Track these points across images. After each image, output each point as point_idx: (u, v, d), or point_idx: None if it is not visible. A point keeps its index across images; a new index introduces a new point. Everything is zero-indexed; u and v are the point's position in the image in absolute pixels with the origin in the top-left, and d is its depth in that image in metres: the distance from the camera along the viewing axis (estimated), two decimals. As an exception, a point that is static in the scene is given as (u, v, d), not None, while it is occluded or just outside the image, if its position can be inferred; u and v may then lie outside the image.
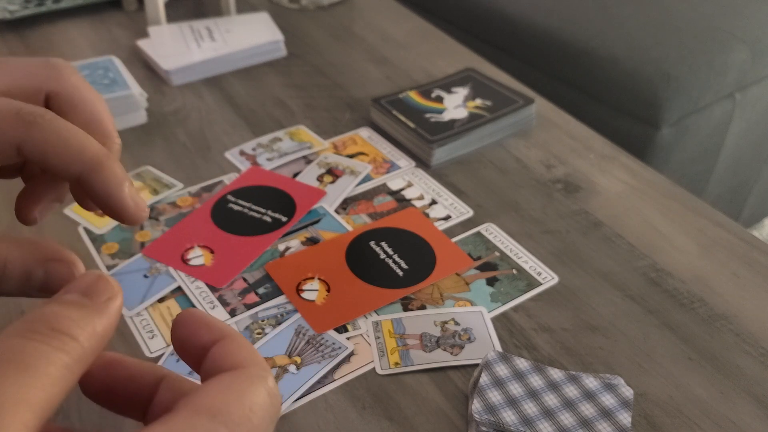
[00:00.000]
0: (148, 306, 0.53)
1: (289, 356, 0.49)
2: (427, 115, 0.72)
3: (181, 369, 0.48)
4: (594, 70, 1.21)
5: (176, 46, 0.84)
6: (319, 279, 0.55)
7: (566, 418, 0.43)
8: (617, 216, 0.62)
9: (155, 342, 0.50)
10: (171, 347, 0.50)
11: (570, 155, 0.70)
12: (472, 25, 1.42)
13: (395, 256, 0.57)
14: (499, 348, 0.50)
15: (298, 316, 0.52)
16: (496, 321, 0.52)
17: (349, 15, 0.98)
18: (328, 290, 0.54)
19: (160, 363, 0.49)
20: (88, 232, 0.60)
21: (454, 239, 0.59)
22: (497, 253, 0.58)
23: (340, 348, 0.50)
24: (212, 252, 0.58)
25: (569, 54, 1.24)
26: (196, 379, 0.23)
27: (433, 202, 0.64)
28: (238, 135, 0.73)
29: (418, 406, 0.46)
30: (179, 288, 0.55)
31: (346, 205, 0.63)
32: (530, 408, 0.44)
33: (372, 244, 0.59)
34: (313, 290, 0.54)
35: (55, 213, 0.62)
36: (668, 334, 0.51)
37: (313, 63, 0.86)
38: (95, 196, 0.25)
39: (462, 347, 0.50)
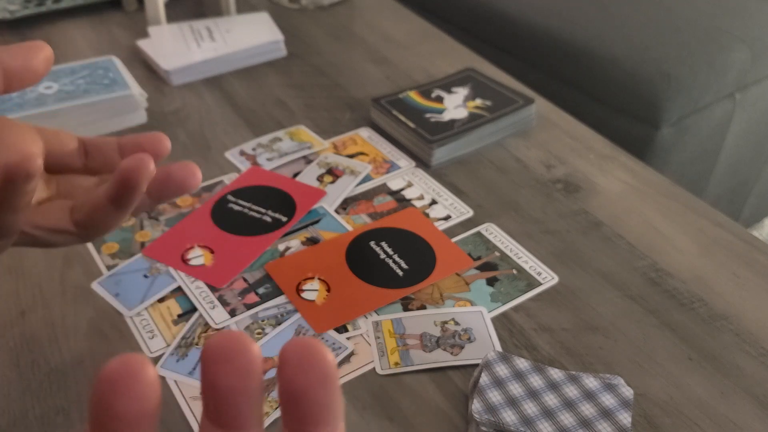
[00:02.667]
0: (148, 306, 0.53)
1: (289, 356, 0.49)
2: (427, 115, 0.72)
3: (182, 369, 0.48)
4: (594, 70, 1.21)
5: (176, 46, 0.84)
6: (319, 279, 0.55)
7: (566, 418, 0.43)
8: (617, 216, 0.62)
9: (155, 342, 0.50)
10: (171, 347, 0.50)
11: (570, 155, 0.70)
12: (472, 25, 1.42)
13: (395, 256, 0.57)
14: (499, 348, 0.50)
15: (298, 316, 0.52)
16: (496, 321, 0.52)
17: (349, 15, 0.99)
18: (328, 290, 0.54)
19: (159, 363, 0.49)
20: (88, 232, 0.60)
21: (454, 239, 0.59)
22: (497, 253, 0.58)
23: (340, 348, 0.50)
24: (212, 252, 0.58)
25: (569, 54, 1.24)
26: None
27: (433, 202, 0.64)
28: (238, 135, 0.73)
29: (418, 406, 0.46)
30: (179, 288, 0.55)
31: (346, 205, 0.63)
32: (530, 408, 0.44)
33: (372, 244, 0.59)
34: (313, 290, 0.54)
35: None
36: (668, 334, 0.51)
37: (313, 63, 0.86)
38: None
39: (462, 347, 0.50)
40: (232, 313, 0.52)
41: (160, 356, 0.49)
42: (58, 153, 0.37)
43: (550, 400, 0.44)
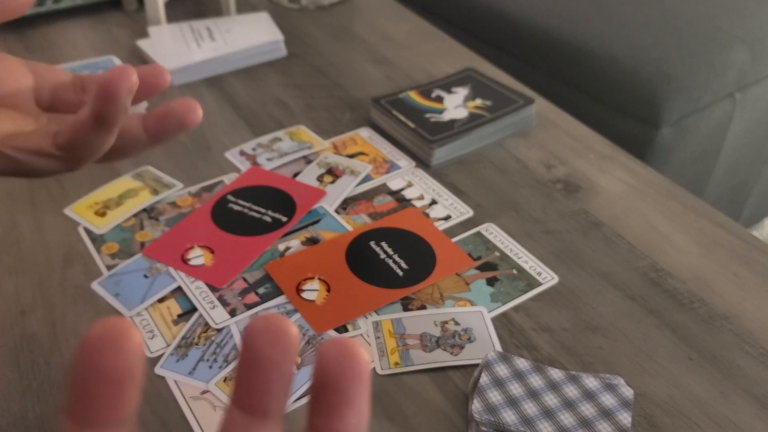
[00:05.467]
0: (148, 306, 0.53)
1: (289, 356, 0.49)
2: (427, 115, 0.72)
3: (182, 369, 0.48)
4: (594, 70, 1.21)
5: (176, 46, 0.84)
6: (319, 279, 0.55)
7: (566, 418, 0.43)
8: (617, 216, 0.62)
9: (155, 342, 0.50)
10: (171, 347, 0.50)
11: (570, 155, 0.70)
12: (472, 25, 1.42)
13: (395, 256, 0.57)
14: (499, 348, 0.50)
15: (298, 316, 0.52)
16: (496, 321, 0.52)
17: (349, 15, 0.98)
18: (328, 290, 0.54)
19: (159, 364, 0.49)
20: (88, 232, 0.60)
21: (454, 239, 0.59)
22: (497, 253, 0.58)
23: (340, 348, 0.50)
24: (212, 252, 0.58)
25: (569, 54, 1.24)
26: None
27: (433, 202, 0.64)
28: (238, 135, 0.73)
29: (418, 406, 0.46)
30: (179, 288, 0.55)
31: (346, 205, 0.63)
32: (530, 408, 0.44)
33: (372, 244, 0.59)
34: (313, 290, 0.54)
35: (55, 213, 0.62)
36: (668, 334, 0.51)
37: (313, 63, 0.86)
38: None
39: (462, 347, 0.50)
40: (232, 313, 0.52)
41: (160, 356, 0.49)
42: (52, 86, 0.36)
43: (550, 400, 0.44)
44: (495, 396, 0.44)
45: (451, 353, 0.49)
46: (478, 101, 0.74)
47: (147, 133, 0.34)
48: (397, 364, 0.49)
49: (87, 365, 0.17)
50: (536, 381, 0.45)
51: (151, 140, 0.34)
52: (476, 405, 0.43)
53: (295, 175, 0.67)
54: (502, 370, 0.46)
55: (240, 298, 0.54)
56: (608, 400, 0.44)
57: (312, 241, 0.59)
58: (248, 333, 0.19)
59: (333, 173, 0.67)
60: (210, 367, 0.48)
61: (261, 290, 0.54)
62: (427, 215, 0.62)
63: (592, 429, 0.43)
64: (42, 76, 0.36)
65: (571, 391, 0.45)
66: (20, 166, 0.33)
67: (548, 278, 0.56)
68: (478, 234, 0.60)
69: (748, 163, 1.42)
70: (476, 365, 0.49)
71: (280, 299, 0.54)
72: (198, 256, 0.57)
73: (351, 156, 0.70)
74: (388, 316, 0.52)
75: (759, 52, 1.25)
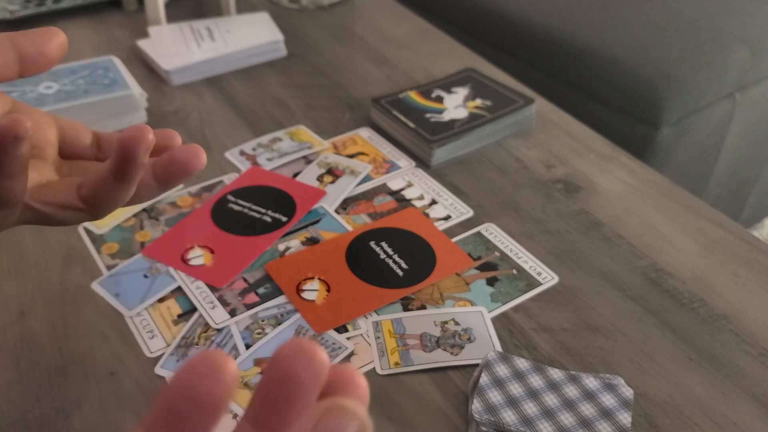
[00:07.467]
0: (148, 306, 0.53)
1: (289, 356, 0.49)
2: (427, 115, 0.72)
3: (181, 369, 0.48)
4: (594, 70, 1.21)
5: (176, 46, 0.84)
6: (319, 279, 0.55)
7: (566, 418, 0.43)
8: (617, 216, 0.62)
9: (155, 342, 0.50)
10: (171, 347, 0.50)
11: (570, 155, 0.70)
12: (472, 25, 1.42)
13: (395, 256, 0.57)
14: (499, 348, 0.50)
15: (298, 316, 0.52)
16: (496, 321, 0.52)
17: (349, 15, 0.99)
18: (328, 290, 0.54)
19: (159, 364, 0.49)
20: (88, 232, 0.60)
21: (454, 239, 0.59)
22: (497, 253, 0.58)
23: (340, 348, 0.50)
24: (212, 252, 0.58)
25: (569, 54, 1.24)
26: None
27: (433, 202, 0.64)
28: (238, 135, 0.73)
29: (418, 406, 0.46)
30: (179, 288, 0.55)
31: (346, 205, 0.63)
32: (530, 408, 0.44)
33: (372, 244, 0.59)
34: (313, 290, 0.54)
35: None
36: (668, 334, 0.51)
37: (313, 63, 0.86)
38: None
39: (462, 347, 0.50)
40: (232, 313, 0.52)
41: (160, 356, 0.49)
42: (71, 143, 0.38)
43: (550, 400, 0.44)
44: (495, 396, 0.44)
45: (451, 353, 0.49)
46: (478, 101, 0.74)
47: (156, 180, 0.35)
48: (397, 364, 0.49)
49: (184, 389, 0.17)
50: (536, 381, 0.45)
51: (160, 187, 0.36)
52: (476, 405, 0.43)
53: (295, 175, 0.67)
54: (502, 370, 0.46)
55: (240, 298, 0.54)
56: (608, 400, 0.44)
57: (312, 241, 0.59)
58: (281, 354, 0.19)
59: (333, 173, 0.67)
60: (210, 367, 0.48)
61: (261, 290, 0.54)
62: (427, 215, 0.62)
63: (592, 429, 0.43)
64: (64, 131, 0.38)
65: (571, 391, 0.45)
66: (47, 217, 0.36)
67: (548, 278, 0.56)
68: (478, 234, 0.60)
69: (748, 163, 1.42)
70: (476, 365, 0.49)
71: (280, 299, 0.54)
72: (198, 256, 0.57)
73: (351, 156, 0.70)
74: (388, 316, 0.52)
75: (759, 52, 1.25)
